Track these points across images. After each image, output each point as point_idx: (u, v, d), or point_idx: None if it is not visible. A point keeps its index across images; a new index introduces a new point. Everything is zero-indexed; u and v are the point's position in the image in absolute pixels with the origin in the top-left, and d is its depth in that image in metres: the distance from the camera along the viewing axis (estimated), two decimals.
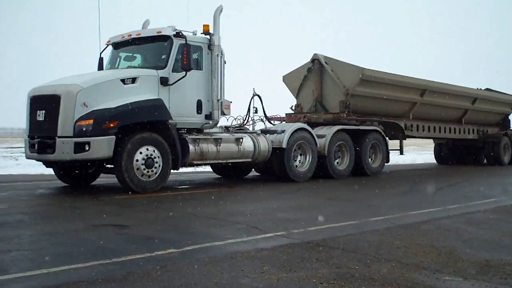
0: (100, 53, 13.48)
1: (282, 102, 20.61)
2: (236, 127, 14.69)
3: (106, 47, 13.43)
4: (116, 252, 5.85)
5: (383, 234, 7.30)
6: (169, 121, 11.78)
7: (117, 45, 13.25)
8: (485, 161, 24.79)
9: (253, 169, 16.43)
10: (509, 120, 25.75)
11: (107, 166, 11.81)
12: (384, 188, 14.44)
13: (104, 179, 13.56)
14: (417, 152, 36.11)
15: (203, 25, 12.73)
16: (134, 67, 12.68)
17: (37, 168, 16.33)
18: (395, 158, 22.56)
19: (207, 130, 13.08)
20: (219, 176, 16.17)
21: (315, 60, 17.58)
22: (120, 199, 10.57)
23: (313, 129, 15.59)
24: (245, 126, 15.10)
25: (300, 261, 5.64)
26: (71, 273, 5.07)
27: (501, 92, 25.18)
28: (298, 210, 9.79)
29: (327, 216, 8.79)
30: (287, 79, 18.85)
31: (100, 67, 13.46)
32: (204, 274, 5.08)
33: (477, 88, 24.21)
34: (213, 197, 11.30)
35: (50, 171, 12.98)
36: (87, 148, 10.61)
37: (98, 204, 9.99)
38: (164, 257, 5.75)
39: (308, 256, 5.90)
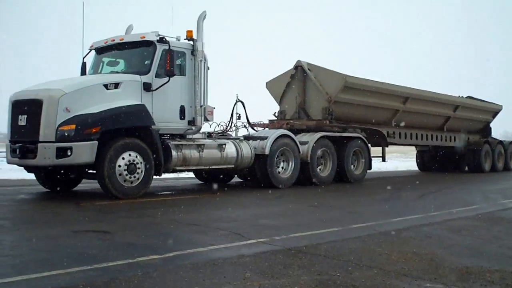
0: (83, 58, 13.45)
1: (266, 108, 20.66)
2: (219, 133, 14.70)
3: (89, 52, 13.40)
4: (97, 258, 5.82)
5: (365, 241, 7.33)
6: (152, 126, 11.75)
7: (100, 50, 13.21)
8: (466, 168, 25.04)
9: (236, 176, 16.44)
10: (490, 128, 26.08)
11: (89, 171, 11.74)
12: (366, 195, 14.51)
13: (86, 184, 13.46)
14: (400, 159, 36.32)
15: (187, 31, 12.74)
16: (117, 72, 12.62)
17: (19, 173, 16.15)
18: (377, 165, 22.70)
19: (190, 136, 13.07)
20: (202, 182, 16.15)
21: (298, 67, 17.68)
22: (102, 205, 10.51)
23: (296, 135, 15.64)
24: (228, 132, 15.12)
25: (282, 268, 5.66)
26: (52, 280, 5.04)
27: (482, 100, 25.53)
28: (280, 216, 9.81)
29: (310, 223, 8.83)
30: (270, 85, 18.90)
31: (83, 72, 13.42)
32: (186, 281, 5.08)
33: (459, 96, 24.50)
34: (196, 204, 11.31)
35: (31, 176, 12.86)
36: (69, 154, 10.54)
37: (80, 210, 9.94)
38: (146, 263, 5.73)
39: (290, 262, 5.92)
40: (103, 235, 7.42)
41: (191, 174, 16.55)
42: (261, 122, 17.39)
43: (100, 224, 8.34)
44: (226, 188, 14.95)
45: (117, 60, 13.10)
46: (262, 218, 9.36)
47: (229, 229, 7.94)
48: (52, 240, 7.03)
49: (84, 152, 10.65)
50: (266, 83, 19.05)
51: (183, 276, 5.23)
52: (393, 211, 10.90)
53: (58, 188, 12.65)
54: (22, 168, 12.30)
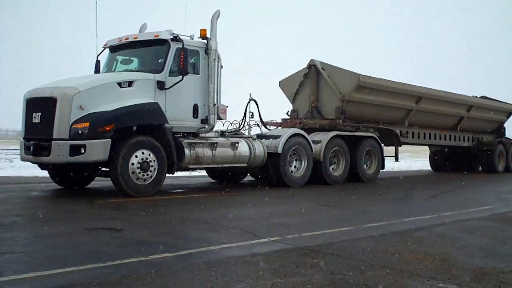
0: (97, 56, 13.49)
1: (279, 107, 20.64)
2: (232, 131, 14.70)
3: (103, 50, 13.44)
4: (110, 256, 5.82)
5: (377, 240, 7.29)
6: (165, 125, 11.76)
7: (114, 48, 13.25)
8: (479, 168, 24.86)
9: (248, 174, 16.43)
10: (504, 128, 25.85)
11: (102, 169, 11.79)
12: (379, 194, 14.46)
13: (99, 182, 13.50)
14: (413, 159, 36.14)
15: (200, 30, 12.75)
16: (131, 70, 12.66)
17: (32, 170, 16.28)
18: (390, 165, 22.65)
19: (203, 135, 13.07)
20: (214, 181, 16.16)
21: (311, 65, 17.63)
22: (115, 202, 10.55)
23: (308, 134, 15.61)
24: (241, 131, 15.11)
25: (295, 267, 5.63)
26: (65, 276, 5.05)
27: (497, 100, 25.29)
28: (293, 215, 9.78)
29: (322, 222, 8.80)
30: (283, 84, 18.88)
31: (97, 70, 13.46)
32: (198, 279, 5.07)
33: (473, 96, 24.31)
34: (208, 202, 11.31)
35: (45, 173, 12.93)
36: (82, 151, 10.58)
37: (93, 207, 9.96)
38: (159, 261, 5.73)
39: (303, 261, 5.89)
40: (116, 232, 7.43)
41: (204, 173, 16.58)
42: (274, 121, 17.36)
43: (114, 222, 8.34)
44: (238, 187, 14.97)
45: (131, 58, 13.13)
46: (274, 217, 9.35)
47: (242, 227, 7.93)
48: (66, 237, 7.05)
49: (97, 150, 10.68)
50: (279, 82, 19.03)
51: (196, 274, 5.22)
52: (406, 210, 10.86)
53: (71, 186, 12.72)
54: (36, 165, 12.38)
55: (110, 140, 10.79)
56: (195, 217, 8.96)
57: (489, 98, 25.22)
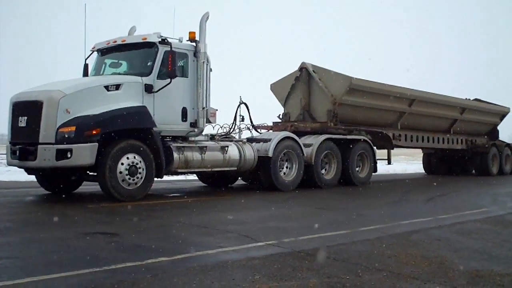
0: (85, 60, 13.39)
1: (270, 110, 20.55)
2: (222, 135, 14.59)
3: (91, 53, 13.36)
4: (106, 260, 5.82)
5: (374, 243, 7.30)
6: (153, 128, 11.65)
7: (102, 52, 13.15)
8: (473, 171, 24.82)
9: (239, 178, 16.32)
10: (497, 131, 25.83)
11: (90, 173, 11.66)
12: (374, 197, 14.45)
13: (93, 186, 13.39)
14: (408, 162, 36.11)
15: (189, 32, 12.63)
16: (119, 73, 12.55)
17: (26, 175, 16.13)
18: (385, 168, 22.59)
19: (192, 138, 12.93)
20: (205, 185, 16.03)
21: (303, 68, 17.54)
22: (110, 207, 10.50)
23: (300, 138, 15.52)
24: (231, 134, 15.00)
25: (291, 271, 5.64)
26: (61, 281, 5.05)
27: (490, 103, 25.28)
28: (289, 219, 9.76)
29: (318, 225, 8.79)
30: (275, 87, 18.80)
31: (85, 73, 13.35)
32: (195, 283, 5.07)
33: (466, 98, 24.27)
34: (203, 206, 11.32)
35: None
36: (69, 155, 10.47)
37: (88, 212, 9.92)
38: (155, 265, 5.73)
39: (299, 265, 5.90)
40: (111, 237, 7.41)
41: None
42: (265, 124, 17.25)
43: (109, 226, 8.34)
44: (233, 191, 14.89)
45: (120, 61, 13.04)
46: (270, 220, 9.38)
47: (238, 231, 7.94)
48: (61, 242, 7.06)
49: (84, 154, 10.56)
50: (271, 85, 18.94)
51: (192, 278, 5.23)
52: (402, 214, 10.82)
53: (59, 190, 12.58)
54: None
55: (97, 144, 10.66)
56: (191, 221, 8.94)
57: (482, 101, 25.20)
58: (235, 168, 13.86)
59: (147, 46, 12.28)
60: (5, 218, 8.99)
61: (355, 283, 5.21)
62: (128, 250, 6.49)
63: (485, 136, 25.34)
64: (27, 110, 11.07)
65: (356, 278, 5.40)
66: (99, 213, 9.77)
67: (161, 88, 11.85)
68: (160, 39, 12.10)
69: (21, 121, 11.09)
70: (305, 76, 17.54)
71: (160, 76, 11.97)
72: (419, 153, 28.83)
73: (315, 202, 12.81)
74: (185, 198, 13.05)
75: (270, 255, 6.36)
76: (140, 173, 11.27)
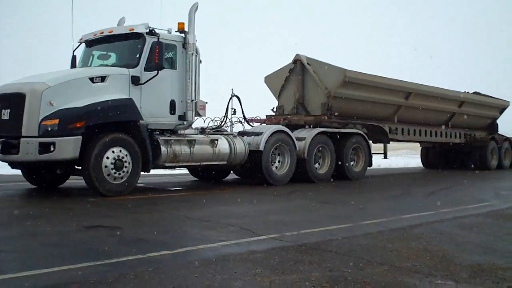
0: (73, 51, 13.15)
1: (264, 103, 20.27)
2: (214, 128, 14.36)
3: (79, 45, 13.09)
4: (108, 254, 5.84)
5: (375, 237, 7.33)
6: (140, 121, 11.40)
7: (90, 43, 12.89)
8: (472, 165, 24.55)
9: (232, 172, 16.09)
10: (497, 124, 25.54)
11: (76, 167, 11.44)
12: (375, 191, 14.42)
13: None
14: (411, 156, 35.89)
15: (178, 23, 12.38)
16: (107, 65, 12.30)
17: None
18: (387, 162, 22.60)
19: (181, 132, 12.69)
20: (196, 179, 15.81)
21: (297, 61, 17.27)
22: (111, 200, 10.43)
23: (293, 131, 15.30)
24: (222, 127, 14.75)
25: (293, 264, 5.66)
26: (63, 274, 5.06)
27: (489, 96, 24.98)
28: (290, 212, 9.76)
29: (320, 219, 8.82)
30: (269, 80, 18.55)
31: (73, 65, 13.09)
32: (196, 276, 5.08)
33: (465, 92, 23.94)
34: (204, 200, 11.30)
35: None
36: (52, 149, 10.24)
37: (89, 205, 9.87)
38: (157, 259, 5.75)
39: (301, 259, 5.92)
40: (113, 230, 7.37)
41: None
42: (258, 118, 17.00)
43: (111, 220, 8.33)
44: (226, 185, 14.75)
45: (108, 53, 12.77)
46: (272, 214, 9.37)
47: (239, 225, 7.94)
48: (62, 235, 7.06)
49: (67, 147, 10.33)
50: (265, 77, 18.69)
51: (194, 271, 5.25)
52: (403, 207, 10.83)
53: (45, 185, 12.38)
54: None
55: (80, 137, 10.43)
56: (192, 215, 8.91)
57: (482, 94, 24.91)
58: (225, 162, 13.62)
59: (134, 37, 12.01)
60: (6, 212, 9.02)
61: (356, 276, 5.22)
62: (130, 244, 6.52)
63: (484, 130, 25.04)
64: (10, 103, 10.82)
65: (357, 271, 5.42)
66: (101, 207, 9.72)
67: (148, 80, 11.60)
68: (147, 30, 11.84)
69: (4, 114, 10.84)
70: (299, 69, 17.25)
71: (147, 68, 11.70)
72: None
73: (317, 195, 12.68)
74: (186, 191, 13.12)
75: (272, 249, 6.39)
76: (126, 167, 11.04)
